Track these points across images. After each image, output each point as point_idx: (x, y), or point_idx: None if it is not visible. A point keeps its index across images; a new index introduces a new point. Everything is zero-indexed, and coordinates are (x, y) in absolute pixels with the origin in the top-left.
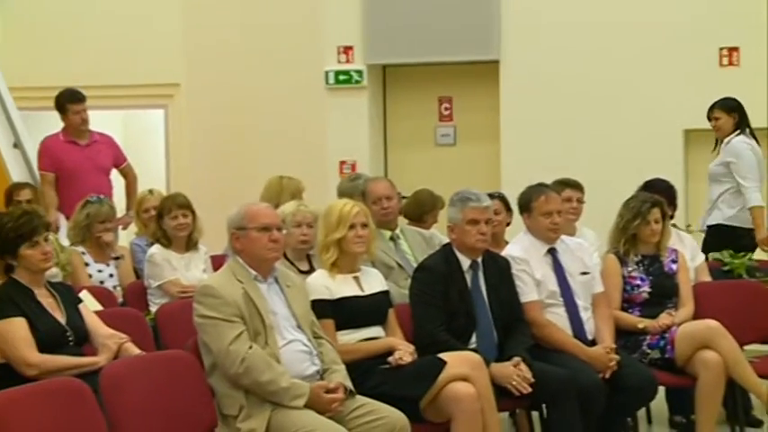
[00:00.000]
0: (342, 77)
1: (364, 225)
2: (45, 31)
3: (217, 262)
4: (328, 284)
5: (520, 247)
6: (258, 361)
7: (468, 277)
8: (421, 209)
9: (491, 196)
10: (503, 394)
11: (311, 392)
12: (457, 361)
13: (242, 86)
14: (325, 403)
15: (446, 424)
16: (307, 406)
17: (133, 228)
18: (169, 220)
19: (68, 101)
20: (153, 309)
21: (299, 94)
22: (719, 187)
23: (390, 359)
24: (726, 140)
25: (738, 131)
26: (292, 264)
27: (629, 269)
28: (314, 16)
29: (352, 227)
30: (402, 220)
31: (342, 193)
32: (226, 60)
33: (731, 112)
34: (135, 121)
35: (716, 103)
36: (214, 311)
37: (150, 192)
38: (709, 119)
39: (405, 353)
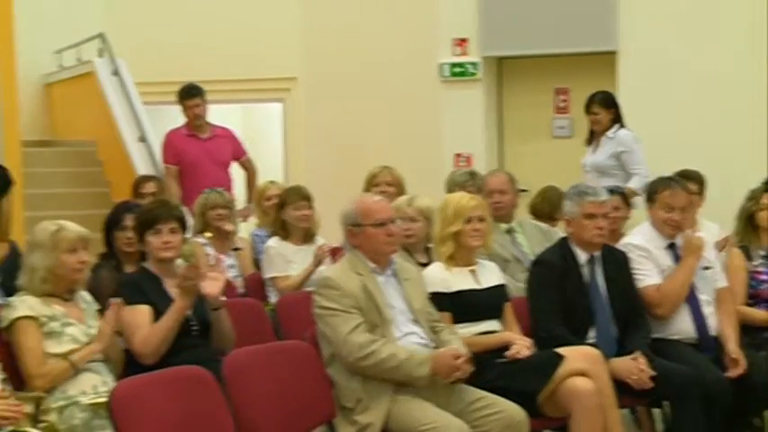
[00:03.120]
0: (457, 70)
1: (481, 219)
2: (168, 28)
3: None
4: (445, 277)
5: (641, 237)
6: (380, 346)
7: (586, 271)
8: (550, 207)
9: (610, 191)
10: (623, 390)
11: (435, 358)
12: (576, 356)
13: (358, 80)
14: (450, 367)
15: (565, 419)
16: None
17: (254, 220)
18: (292, 211)
19: (182, 96)
20: (272, 299)
21: (413, 87)
22: (610, 181)
23: (507, 353)
24: (609, 134)
25: (619, 125)
26: (411, 256)
27: (755, 263)
28: (429, 9)
29: (468, 220)
30: (526, 215)
31: (451, 185)
32: (342, 54)
33: (610, 107)
34: (254, 115)
35: (594, 97)
36: (333, 303)
37: (272, 182)
38: (588, 113)
39: (522, 347)
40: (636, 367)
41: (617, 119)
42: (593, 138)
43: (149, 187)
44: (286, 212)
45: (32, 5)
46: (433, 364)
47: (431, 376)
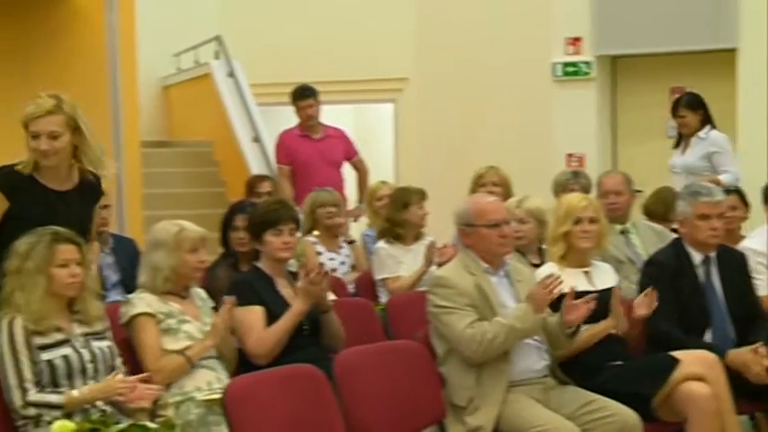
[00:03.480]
0: (570, 69)
1: (592, 220)
2: (281, 30)
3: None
4: (553, 272)
5: (759, 240)
6: (484, 327)
7: (701, 272)
8: (664, 208)
9: (727, 191)
10: (741, 396)
11: (529, 298)
12: (691, 360)
13: (469, 80)
14: (545, 294)
15: (680, 424)
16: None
17: (364, 220)
18: (417, 210)
19: (296, 97)
20: (383, 299)
21: (526, 87)
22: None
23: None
24: (701, 134)
25: (710, 126)
26: (524, 257)
27: None
28: (543, 8)
29: (577, 221)
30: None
31: (555, 186)
32: (454, 54)
33: (697, 109)
34: (366, 115)
35: (680, 100)
36: (448, 301)
37: (383, 182)
38: (675, 116)
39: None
40: (755, 359)
41: (706, 120)
42: (682, 140)
43: (265, 186)
44: (410, 212)
45: (153, 11)
46: (532, 304)
47: (538, 314)
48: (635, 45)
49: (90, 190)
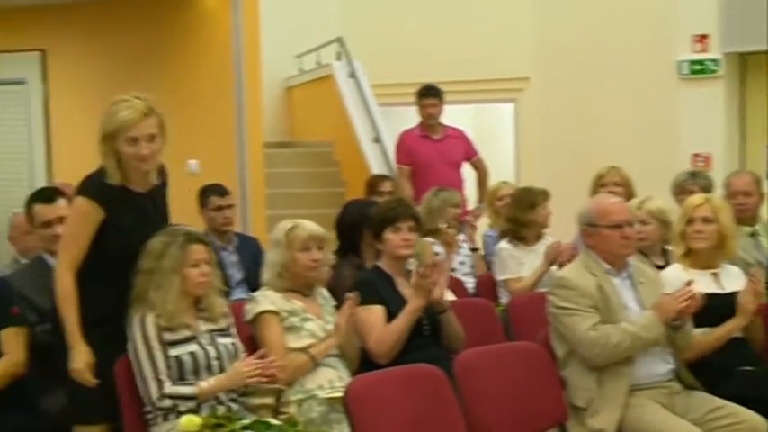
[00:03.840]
0: (696, 67)
1: (706, 220)
2: (402, 30)
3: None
4: (684, 279)
5: None
6: (608, 330)
7: None
8: None
9: None
10: None
11: (657, 307)
12: None
13: (591, 78)
14: (674, 307)
15: None
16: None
17: (485, 220)
18: (541, 210)
19: (421, 95)
20: (503, 300)
21: (650, 86)
22: None
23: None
24: None
25: None
26: (647, 258)
27: None
28: (668, 5)
29: (690, 221)
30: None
31: (673, 186)
32: (576, 52)
33: None
34: (485, 115)
35: None
36: (569, 302)
37: (504, 182)
38: None
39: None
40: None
41: None
42: None
43: (386, 186)
44: (535, 213)
45: (276, 13)
46: (658, 314)
47: (665, 325)
48: (765, 41)
49: (162, 183)
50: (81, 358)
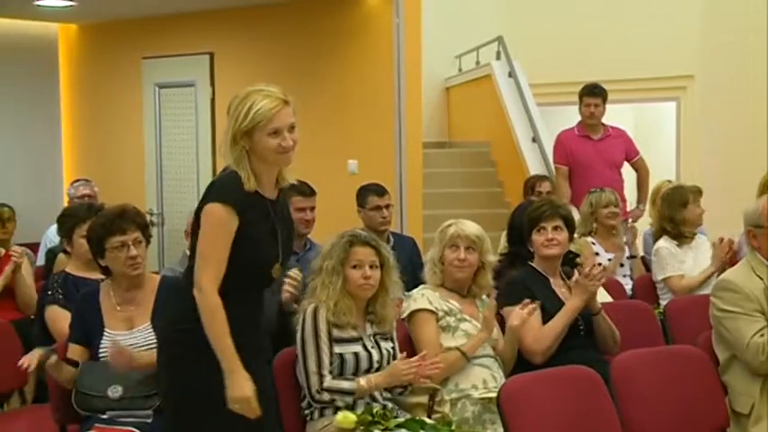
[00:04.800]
0: None
1: None
2: (562, 30)
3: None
4: None
5: None
6: None
7: None
8: None
9: None
10: None
11: None
12: None
13: (756, 76)
14: None
15: None
16: None
17: (646, 220)
18: (694, 208)
19: (585, 93)
20: (662, 302)
21: None
22: None
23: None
24: None
25: None
26: None
27: None
28: None
29: None
30: None
31: None
32: (741, 51)
33: None
34: (647, 114)
35: None
36: (734, 306)
37: (668, 181)
38: None
39: None
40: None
41: None
42: None
43: (545, 186)
44: (688, 210)
45: (437, 14)
46: None
47: None
48: None
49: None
50: (247, 385)
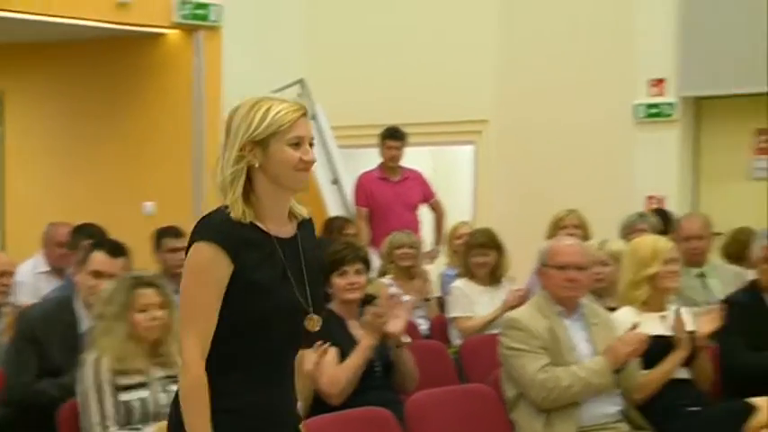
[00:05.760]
0: (653, 111)
1: (675, 260)
2: (363, 73)
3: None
4: (636, 322)
5: None
6: (558, 373)
7: None
8: (741, 248)
9: None
10: None
11: (608, 352)
12: None
13: (550, 121)
14: (623, 352)
15: None
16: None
17: (442, 260)
18: (474, 257)
19: (386, 136)
20: (455, 341)
21: (607, 129)
22: None
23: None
24: None
25: None
26: (602, 299)
27: None
28: (625, 49)
29: (665, 262)
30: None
31: (622, 228)
32: (534, 96)
33: None
34: (444, 157)
35: None
36: (520, 343)
37: (464, 222)
38: None
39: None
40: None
41: None
42: None
43: (350, 229)
44: (469, 256)
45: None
46: (609, 358)
47: (614, 369)
48: (719, 86)
49: (306, 225)
50: None
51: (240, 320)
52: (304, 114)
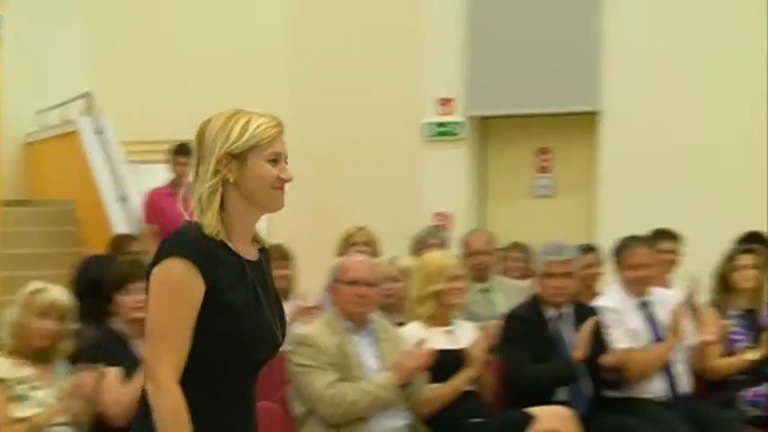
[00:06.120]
0: (440, 129)
1: (461, 277)
2: (153, 87)
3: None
4: (422, 338)
5: (612, 298)
6: (345, 388)
7: (554, 327)
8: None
9: (585, 249)
10: None
11: (395, 367)
12: (547, 416)
13: (340, 138)
14: (409, 361)
15: None
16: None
17: None
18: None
19: (176, 152)
20: None
21: (396, 147)
22: None
23: None
24: None
25: None
26: (391, 315)
27: (729, 323)
28: (414, 69)
29: (450, 279)
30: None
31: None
32: (325, 112)
33: None
34: None
35: None
36: (308, 360)
37: None
38: None
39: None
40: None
41: None
42: None
43: (134, 246)
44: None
45: (18, 68)
46: (396, 373)
47: (401, 383)
48: (504, 106)
49: (264, 252)
50: None
51: (211, 343)
52: (282, 131)
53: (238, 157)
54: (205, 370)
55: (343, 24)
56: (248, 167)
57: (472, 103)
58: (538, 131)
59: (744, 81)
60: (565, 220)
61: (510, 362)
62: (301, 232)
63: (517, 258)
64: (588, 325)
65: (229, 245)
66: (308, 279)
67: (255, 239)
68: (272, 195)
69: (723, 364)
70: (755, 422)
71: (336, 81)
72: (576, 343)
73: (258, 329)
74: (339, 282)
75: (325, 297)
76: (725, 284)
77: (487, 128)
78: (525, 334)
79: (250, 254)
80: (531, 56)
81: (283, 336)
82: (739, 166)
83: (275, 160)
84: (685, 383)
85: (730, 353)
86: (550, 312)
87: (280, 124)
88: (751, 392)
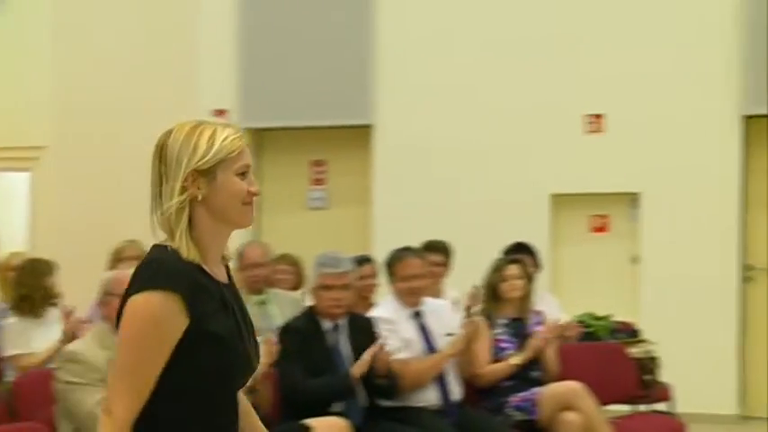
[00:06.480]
0: None
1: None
2: None
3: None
4: None
5: (386, 309)
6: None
7: (331, 338)
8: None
9: (361, 260)
10: None
11: None
12: (322, 427)
13: (110, 150)
14: None
15: None
16: None
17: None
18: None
19: None
20: (9, 378)
21: None
22: None
23: None
24: None
25: None
26: None
27: (497, 331)
28: (189, 79)
29: None
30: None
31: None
32: (94, 124)
33: None
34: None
35: None
36: (77, 377)
37: (16, 253)
38: None
39: None
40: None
41: None
42: None
43: None
44: (48, 282)
45: None
46: None
47: None
48: (279, 119)
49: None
50: None
51: (191, 378)
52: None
53: (206, 173)
54: (180, 407)
55: (112, 33)
56: (218, 183)
57: (247, 115)
58: (312, 144)
59: (509, 91)
60: (339, 231)
61: (286, 376)
62: (70, 245)
63: (285, 271)
64: (373, 350)
65: (205, 268)
66: (80, 292)
67: (224, 257)
68: (242, 211)
69: (490, 370)
70: (522, 426)
71: (107, 94)
72: (356, 359)
73: (242, 359)
74: (111, 295)
75: (96, 311)
76: (494, 294)
77: (262, 139)
78: (302, 346)
79: (222, 275)
80: (306, 69)
81: (258, 359)
82: (509, 175)
83: (244, 173)
84: (457, 391)
85: (497, 360)
86: (327, 324)
87: (243, 134)
88: (518, 398)
